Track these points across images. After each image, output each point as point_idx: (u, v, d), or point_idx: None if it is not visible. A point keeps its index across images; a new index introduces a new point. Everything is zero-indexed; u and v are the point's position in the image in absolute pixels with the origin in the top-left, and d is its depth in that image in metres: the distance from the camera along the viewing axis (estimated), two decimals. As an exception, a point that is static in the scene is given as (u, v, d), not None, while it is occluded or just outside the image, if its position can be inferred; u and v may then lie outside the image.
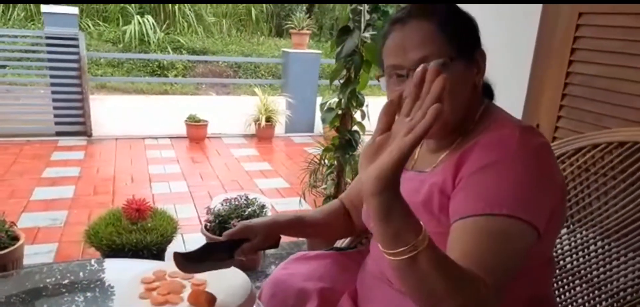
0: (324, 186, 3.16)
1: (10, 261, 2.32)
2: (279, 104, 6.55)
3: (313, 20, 10.48)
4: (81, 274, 1.26)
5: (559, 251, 1.36)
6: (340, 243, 1.38)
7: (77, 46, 5.57)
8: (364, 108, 2.88)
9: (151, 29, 9.23)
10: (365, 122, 2.92)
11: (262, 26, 11.66)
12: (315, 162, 3.33)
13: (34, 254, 2.91)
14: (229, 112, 6.53)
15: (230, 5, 11.07)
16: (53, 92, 5.68)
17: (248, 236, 1.13)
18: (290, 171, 5.01)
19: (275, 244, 1.22)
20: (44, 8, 5.77)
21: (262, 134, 6.37)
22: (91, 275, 1.27)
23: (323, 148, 3.15)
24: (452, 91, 0.90)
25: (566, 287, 1.35)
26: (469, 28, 0.97)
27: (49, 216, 3.53)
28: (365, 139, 3.19)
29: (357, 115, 2.92)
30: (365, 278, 1.16)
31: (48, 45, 5.60)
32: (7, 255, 2.31)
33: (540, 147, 0.89)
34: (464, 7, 0.98)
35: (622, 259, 1.22)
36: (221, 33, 10.73)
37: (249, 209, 2.77)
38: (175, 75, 8.91)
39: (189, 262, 1.06)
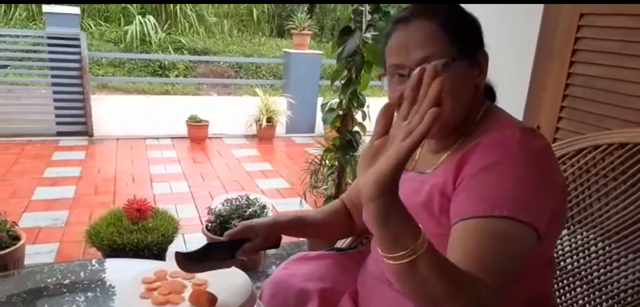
0: (324, 187, 3.16)
1: (11, 261, 2.33)
2: (280, 104, 6.55)
3: (314, 21, 10.49)
4: (82, 274, 1.26)
5: (560, 252, 1.36)
6: (341, 243, 1.38)
7: (78, 46, 5.58)
8: (365, 109, 2.88)
9: (152, 29, 9.24)
10: (366, 123, 2.92)
11: (264, 26, 11.67)
12: (316, 162, 3.33)
13: (35, 254, 2.91)
14: (230, 113, 6.53)
15: (231, 5, 11.08)
16: (54, 92, 5.68)
17: (249, 236, 1.13)
18: (291, 172, 5.01)
19: (276, 244, 1.22)
20: (46, 8, 5.79)
21: (263, 134, 6.37)
22: (92, 275, 1.27)
23: (324, 149, 3.15)
24: (453, 91, 0.90)
25: (567, 288, 1.35)
26: (472, 28, 0.97)
27: (50, 215, 3.53)
28: (366, 139, 3.19)
29: (358, 116, 2.92)
30: (365, 279, 1.16)
31: (49, 45, 5.60)
32: (9, 255, 2.31)
33: (541, 148, 0.89)
34: (466, 7, 0.98)
35: (623, 260, 1.22)
36: (222, 33, 10.74)
37: (250, 210, 2.77)
38: (177, 76, 8.91)
39: (190, 261, 1.07)
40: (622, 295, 1.22)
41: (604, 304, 1.26)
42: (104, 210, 2.93)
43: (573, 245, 1.34)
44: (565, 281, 1.35)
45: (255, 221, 1.17)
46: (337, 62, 2.76)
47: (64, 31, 5.60)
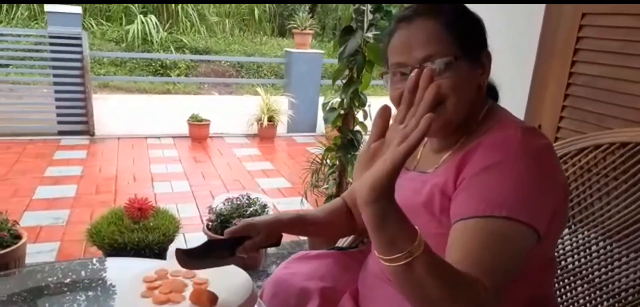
0: (325, 186, 3.16)
1: (12, 260, 2.33)
2: (282, 103, 6.55)
3: (316, 20, 10.49)
4: (83, 273, 1.26)
5: (561, 252, 1.36)
6: (342, 242, 1.38)
7: (80, 45, 5.58)
8: (366, 108, 2.88)
9: (154, 28, 9.24)
10: (367, 122, 2.92)
11: (265, 26, 11.66)
12: (317, 162, 3.33)
13: (36, 253, 2.92)
14: (232, 112, 6.53)
15: (233, 4, 11.08)
16: (56, 91, 5.69)
17: (250, 234, 1.13)
18: (292, 171, 5.01)
19: (277, 243, 1.22)
20: (48, 7, 5.79)
21: (265, 133, 6.37)
22: (93, 274, 1.27)
23: (325, 148, 3.15)
24: (456, 90, 0.90)
25: (568, 287, 1.34)
26: (476, 28, 0.97)
27: (52, 214, 3.54)
28: (367, 139, 3.19)
29: (360, 115, 2.92)
30: (366, 277, 1.16)
31: (51, 44, 5.61)
32: (10, 253, 2.31)
33: (543, 148, 0.89)
34: (469, 7, 0.98)
35: (624, 259, 1.22)
36: (224, 33, 10.74)
37: (251, 209, 2.77)
38: (178, 75, 8.91)
39: (191, 258, 1.07)
40: (623, 294, 1.22)
41: (605, 303, 1.26)
42: (105, 209, 2.94)
43: (574, 244, 1.34)
44: (566, 281, 1.35)
45: (256, 218, 1.17)
46: (338, 62, 2.76)
47: (66, 30, 5.60)
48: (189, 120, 6.06)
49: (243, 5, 11.20)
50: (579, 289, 1.32)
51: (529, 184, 0.84)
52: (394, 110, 0.78)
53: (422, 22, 0.93)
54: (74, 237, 3.17)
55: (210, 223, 2.79)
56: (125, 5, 9.64)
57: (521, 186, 0.84)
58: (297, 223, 1.25)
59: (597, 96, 1.66)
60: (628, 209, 1.20)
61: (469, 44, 0.93)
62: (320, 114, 3.14)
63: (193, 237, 3.19)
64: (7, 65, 6.28)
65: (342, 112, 2.87)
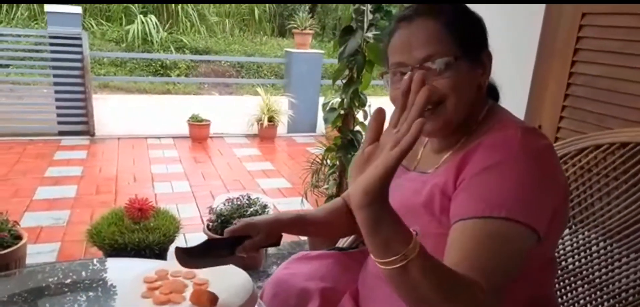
0: (326, 186, 3.16)
1: (13, 260, 2.33)
2: (282, 104, 6.55)
3: (316, 20, 10.49)
4: (83, 273, 1.26)
5: (561, 252, 1.36)
6: (342, 243, 1.38)
7: (80, 45, 5.58)
8: (366, 108, 2.88)
9: (154, 28, 9.24)
10: (367, 122, 2.92)
11: (265, 26, 11.66)
12: (318, 162, 3.34)
13: (37, 253, 2.92)
14: (232, 112, 6.53)
15: (233, 5, 11.08)
16: (56, 92, 5.69)
17: (249, 233, 1.13)
18: (293, 171, 5.01)
19: (277, 242, 1.22)
20: (48, 7, 5.79)
21: (265, 133, 6.37)
22: (93, 274, 1.27)
23: (325, 148, 3.15)
24: (456, 90, 0.90)
25: (568, 288, 1.34)
26: (476, 28, 0.97)
27: (52, 215, 3.54)
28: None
29: (360, 115, 2.92)
30: (366, 278, 1.15)
31: (51, 44, 5.61)
32: (10, 254, 2.31)
33: (543, 148, 0.89)
34: (469, 7, 0.98)
35: (624, 260, 1.22)
36: (224, 33, 10.74)
37: (251, 209, 2.77)
38: (178, 75, 8.92)
39: (190, 257, 1.06)
40: (623, 295, 1.22)
41: (606, 303, 1.26)
42: (105, 209, 2.94)
43: (574, 245, 1.34)
44: (566, 281, 1.35)
45: (256, 218, 1.17)
46: (338, 62, 2.76)
47: (66, 30, 5.60)
48: (189, 120, 6.06)
49: (243, 5, 11.20)
50: (580, 289, 1.32)
51: (529, 184, 0.84)
52: (390, 110, 0.78)
53: (423, 22, 0.93)
54: (75, 238, 3.17)
55: (210, 223, 2.79)
56: (125, 5, 9.64)
57: (521, 187, 0.84)
58: (297, 223, 1.25)
59: (597, 96, 1.66)
60: (628, 209, 1.20)
61: (470, 44, 0.93)
62: (321, 114, 3.14)
63: (193, 237, 3.19)
64: (7, 66, 6.28)
65: (342, 112, 2.87)
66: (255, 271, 2.76)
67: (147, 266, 1.16)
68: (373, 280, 1.12)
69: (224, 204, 2.80)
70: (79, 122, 5.76)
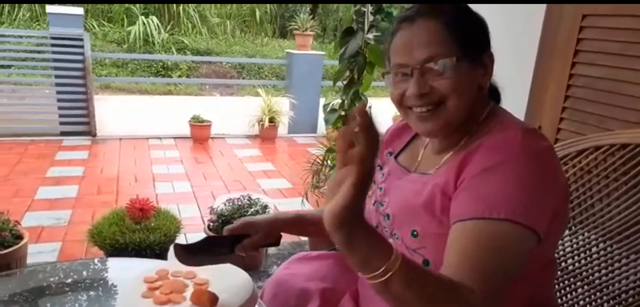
0: (326, 187, 3.16)
1: (14, 260, 2.34)
2: (283, 104, 6.55)
3: (317, 22, 10.49)
4: (84, 273, 1.27)
5: (561, 253, 1.36)
6: (342, 243, 1.38)
7: (82, 46, 5.59)
8: (367, 109, 2.88)
9: (155, 29, 9.25)
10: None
11: (266, 27, 11.67)
12: (318, 162, 3.33)
13: (38, 253, 2.92)
14: (233, 113, 6.53)
15: (234, 6, 11.09)
16: (58, 92, 5.70)
17: (249, 232, 1.13)
18: (293, 172, 5.01)
19: (276, 242, 1.22)
20: (49, 8, 5.80)
21: (265, 134, 6.38)
22: (94, 274, 1.27)
23: (326, 149, 3.15)
24: (456, 91, 0.91)
25: (568, 289, 1.34)
26: (478, 29, 0.97)
27: (53, 215, 3.54)
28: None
29: (360, 117, 2.91)
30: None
31: (53, 45, 5.61)
32: (11, 254, 2.32)
33: (544, 150, 0.89)
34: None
35: (624, 261, 1.21)
36: (225, 34, 10.75)
37: (252, 209, 2.78)
38: (179, 76, 8.92)
39: (189, 254, 1.06)
40: (623, 296, 1.22)
41: (605, 305, 1.25)
42: (106, 209, 2.94)
43: (574, 246, 1.34)
44: (566, 282, 1.35)
45: (255, 217, 1.17)
46: (339, 63, 2.77)
47: (68, 31, 5.61)
48: (190, 121, 6.06)
49: (244, 6, 11.21)
50: (579, 290, 1.32)
51: (530, 185, 0.84)
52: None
53: (424, 23, 0.93)
54: (76, 238, 3.18)
55: (211, 223, 2.80)
56: (126, 6, 9.66)
57: (522, 188, 0.84)
58: (296, 223, 1.25)
59: (598, 97, 1.66)
60: (628, 210, 1.20)
61: (471, 45, 0.93)
62: (321, 115, 3.14)
63: (194, 237, 3.19)
64: (9, 66, 6.29)
65: (342, 113, 2.87)
66: (255, 271, 2.76)
67: (147, 266, 1.16)
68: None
69: (225, 205, 2.80)
70: (80, 123, 5.77)
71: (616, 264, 1.23)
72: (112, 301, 1.16)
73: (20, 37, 6.60)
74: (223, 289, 1.06)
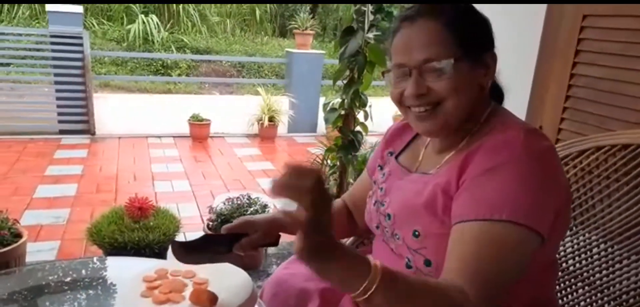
0: (326, 186, 3.15)
1: (13, 258, 2.33)
2: (282, 104, 6.55)
3: (317, 21, 10.48)
4: (83, 272, 1.26)
5: (562, 254, 1.36)
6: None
7: (81, 45, 5.59)
8: (367, 108, 2.88)
9: (155, 28, 9.24)
10: (368, 123, 2.92)
11: (266, 26, 11.66)
12: (318, 162, 3.33)
13: (37, 252, 2.92)
14: (232, 112, 6.53)
15: (234, 4, 11.08)
16: (57, 91, 5.69)
17: (247, 231, 1.12)
18: (293, 171, 5.00)
19: (275, 242, 1.21)
20: (49, 6, 5.80)
21: (265, 133, 6.37)
22: (93, 273, 1.27)
23: (326, 148, 3.15)
24: (455, 91, 0.90)
25: (568, 289, 1.34)
26: (480, 28, 0.96)
27: (52, 213, 3.54)
28: (368, 139, 3.19)
29: (360, 116, 2.92)
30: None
31: (52, 43, 5.61)
32: (10, 252, 2.31)
33: (545, 150, 0.88)
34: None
35: (625, 262, 1.21)
36: (225, 33, 10.74)
37: (251, 209, 2.77)
38: (179, 75, 8.92)
39: (187, 252, 1.06)
40: (624, 297, 1.21)
41: (606, 305, 1.25)
42: (105, 208, 2.94)
43: (575, 246, 1.33)
44: (567, 283, 1.34)
45: (254, 216, 1.16)
46: (339, 62, 2.76)
47: (67, 30, 5.61)
48: (189, 119, 6.06)
49: (244, 5, 11.20)
50: (580, 291, 1.32)
51: (532, 186, 0.84)
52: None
53: (424, 23, 0.93)
54: (75, 236, 3.17)
55: (210, 223, 2.79)
56: (126, 4, 9.64)
57: (524, 189, 0.83)
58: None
59: (598, 98, 1.66)
60: (629, 211, 1.20)
61: (472, 45, 0.92)
62: (321, 115, 3.14)
63: (193, 236, 3.17)
64: (8, 64, 6.28)
65: (342, 112, 2.87)
66: (255, 271, 2.76)
67: (146, 265, 1.16)
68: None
69: (224, 204, 2.80)
70: (79, 121, 5.76)
71: (617, 265, 1.23)
72: (111, 300, 1.15)
73: (20, 35, 6.60)
74: (222, 288, 1.06)
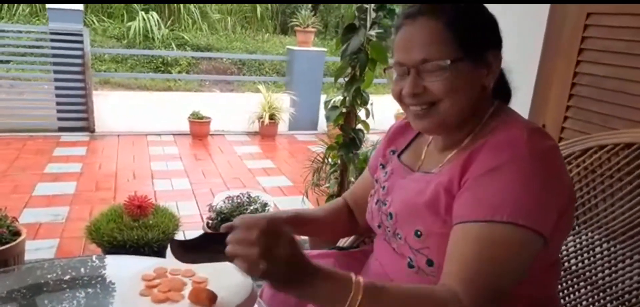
0: (327, 185, 3.15)
1: (11, 256, 2.32)
2: (283, 101, 6.54)
3: (318, 18, 10.46)
4: (82, 270, 1.25)
5: (564, 253, 1.35)
6: (343, 242, 1.37)
7: (81, 42, 5.58)
8: (369, 106, 2.87)
9: (155, 25, 9.23)
10: (369, 121, 2.91)
11: (267, 23, 11.65)
12: (319, 160, 3.32)
13: (36, 250, 2.91)
14: (233, 110, 6.52)
15: (234, 2, 11.07)
16: (56, 88, 5.69)
17: None
18: (294, 169, 5.00)
19: None
20: (49, 4, 5.78)
21: (266, 131, 6.36)
22: (92, 271, 1.26)
23: (327, 146, 3.14)
24: (450, 93, 0.90)
25: (571, 289, 1.33)
26: (483, 27, 0.95)
27: (51, 211, 3.53)
28: (370, 137, 3.18)
29: (362, 114, 2.91)
30: (368, 278, 1.14)
31: (52, 40, 5.61)
32: (9, 250, 2.31)
33: (549, 149, 0.88)
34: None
35: (628, 261, 1.21)
36: (226, 30, 10.73)
37: (251, 207, 2.76)
38: (179, 72, 8.90)
39: (186, 251, 1.05)
40: (627, 296, 1.21)
41: (609, 305, 1.25)
42: (104, 206, 2.93)
43: (578, 246, 1.33)
44: (569, 282, 1.34)
45: (253, 215, 1.16)
46: (341, 60, 2.75)
47: (67, 27, 5.60)
48: (189, 117, 6.05)
49: (245, 2, 11.19)
50: (583, 290, 1.31)
51: (535, 187, 0.83)
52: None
53: (425, 21, 0.92)
54: (73, 234, 3.17)
55: (210, 221, 2.78)
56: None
57: (526, 189, 0.83)
58: (294, 221, 1.24)
59: (602, 96, 1.65)
60: (632, 210, 1.19)
61: (472, 44, 0.91)
62: (322, 112, 3.13)
63: (193, 235, 3.16)
64: (7, 62, 6.27)
65: (344, 110, 2.86)
66: (255, 269, 2.75)
67: (145, 264, 1.16)
68: (374, 279, 1.10)
69: (224, 202, 2.79)
70: (79, 119, 5.76)
71: (620, 264, 1.23)
72: (110, 298, 1.15)
73: (20, 32, 6.59)
74: (222, 287, 1.05)
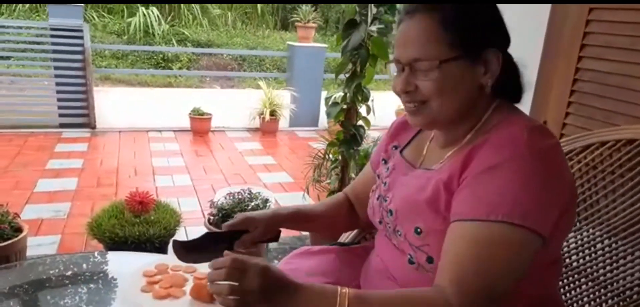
0: (328, 181, 3.15)
1: (13, 252, 2.33)
2: (284, 97, 6.53)
3: (319, 14, 10.44)
4: (84, 266, 1.26)
5: (565, 249, 1.35)
6: (344, 238, 1.37)
7: (81, 38, 5.57)
8: (370, 102, 2.86)
9: (156, 21, 9.22)
10: (370, 117, 2.91)
11: (268, 19, 11.64)
12: (320, 156, 3.32)
13: (37, 246, 2.92)
14: (233, 106, 6.52)
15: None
16: (57, 84, 5.68)
17: (248, 228, 1.13)
18: (294, 165, 5.00)
19: (275, 238, 1.21)
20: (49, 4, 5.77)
21: (266, 127, 6.36)
22: (94, 267, 1.26)
23: (327, 143, 3.13)
24: (440, 92, 0.90)
25: (572, 285, 1.33)
26: (482, 26, 0.93)
27: (53, 207, 3.53)
28: (371, 134, 3.18)
29: (363, 110, 2.90)
30: (368, 273, 1.15)
31: (52, 36, 5.60)
32: (11, 246, 2.31)
33: (549, 148, 0.87)
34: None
35: (629, 257, 1.21)
36: (226, 26, 10.71)
37: (252, 203, 2.76)
38: (180, 68, 8.90)
39: (188, 251, 1.05)
40: (627, 292, 1.21)
41: (610, 301, 1.25)
42: (106, 202, 2.94)
43: (579, 242, 1.33)
44: (570, 278, 1.34)
45: (254, 212, 1.17)
46: (341, 56, 2.74)
47: (67, 22, 5.59)
48: (190, 113, 6.05)
49: None
50: (583, 287, 1.31)
51: (534, 186, 0.83)
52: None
53: (421, 19, 0.91)
54: (75, 230, 3.17)
55: (211, 217, 2.78)
56: None
57: (525, 189, 0.82)
58: (296, 217, 1.24)
59: (604, 92, 1.65)
60: (634, 206, 1.19)
61: (469, 42, 0.90)
62: (323, 109, 3.13)
63: (194, 231, 3.19)
64: (8, 58, 6.27)
65: (345, 106, 2.85)
66: (256, 265, 2.75)
67: (147, 260, 1.16)
68: (375, 276, 1.11)
69: (225, 198, 2.79)
70: (80, 115, 5.75)
71: (621, 261, 1.22)
72: (112, 294, 1.15)
73: (20, 27, 6.57)
74: (223, 283, 1.05)
